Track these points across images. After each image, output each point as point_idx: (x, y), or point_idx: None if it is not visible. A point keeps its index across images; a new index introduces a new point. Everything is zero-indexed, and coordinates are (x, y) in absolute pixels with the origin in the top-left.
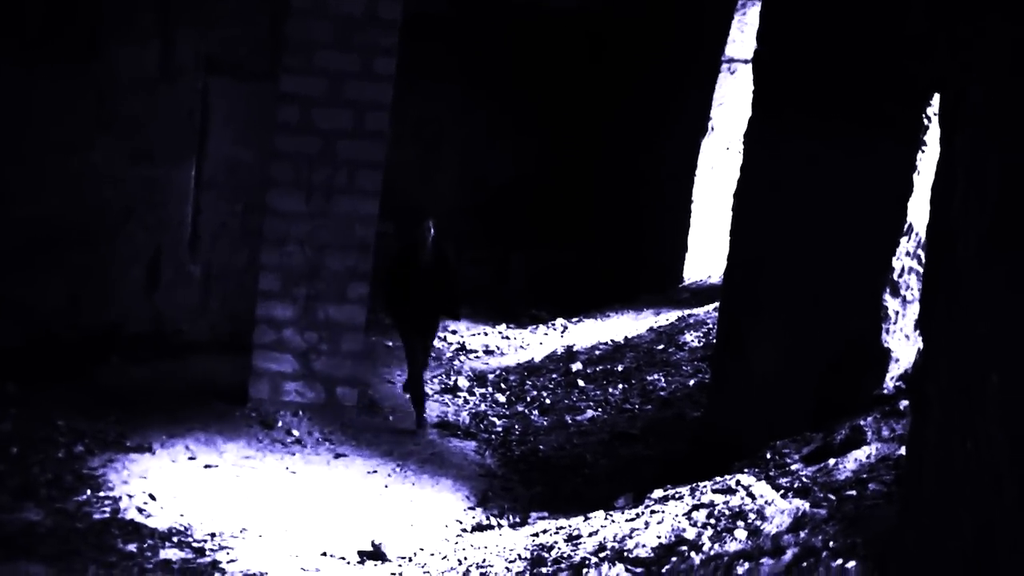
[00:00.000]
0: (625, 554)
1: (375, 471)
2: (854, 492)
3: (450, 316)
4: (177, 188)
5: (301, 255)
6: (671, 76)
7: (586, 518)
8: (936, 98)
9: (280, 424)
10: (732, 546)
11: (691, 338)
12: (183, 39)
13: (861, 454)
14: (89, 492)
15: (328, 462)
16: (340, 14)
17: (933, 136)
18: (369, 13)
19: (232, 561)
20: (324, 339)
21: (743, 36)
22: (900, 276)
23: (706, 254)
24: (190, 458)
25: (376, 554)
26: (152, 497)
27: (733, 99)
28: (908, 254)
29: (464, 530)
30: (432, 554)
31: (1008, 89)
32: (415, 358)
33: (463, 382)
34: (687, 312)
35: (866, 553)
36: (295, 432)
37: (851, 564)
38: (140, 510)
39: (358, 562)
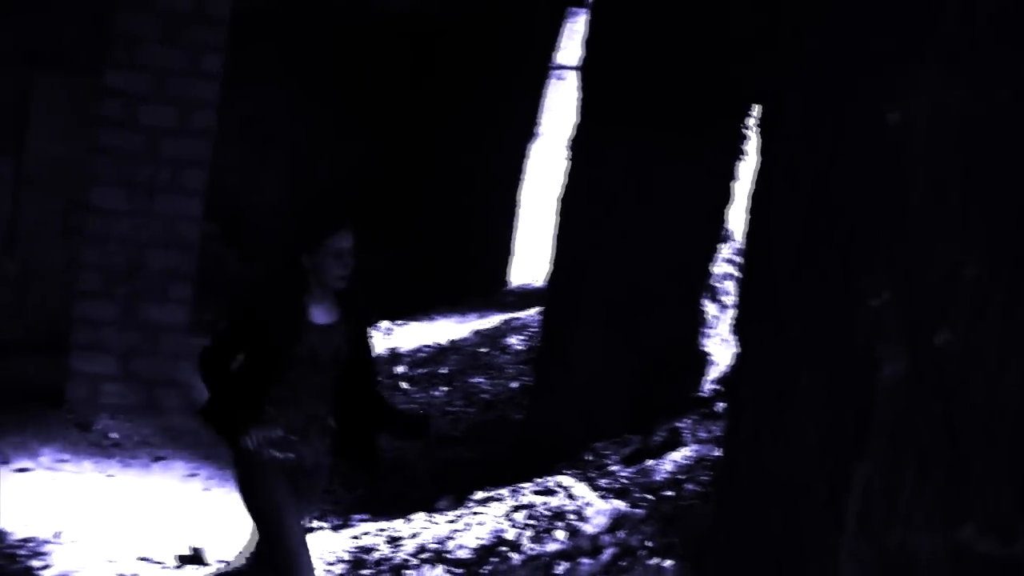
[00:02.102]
0: (446, 555)
1: (195, 474)
2: (672, 492)
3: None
4: None
5: (122, 254)
6: (501, 81)
7: (407, 520)
8: (757, 107)
9: (98, 427)
10: (552, 546)
11: (515, 341)
12: (4, 29)
13: (679, 455)
14: None
15: (147, 465)
16: (168, 9)
17: (753, 144)
18: (197, 9)
19: (46, 567)
20: (145, 340)
21: (573, 43)
22: (719, 281)
23: (532, 258)
24: (2, 462)
25: (195, 558)
26: None
27: (562, 105)
28: (727, 260)
29: None
30: (251, 557)
31: (821, 97)
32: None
33: None
34: (512, 315)
35: (683, 552)
36: (113, 435)
37: (668, 563)
38: None
39: (176, 566)
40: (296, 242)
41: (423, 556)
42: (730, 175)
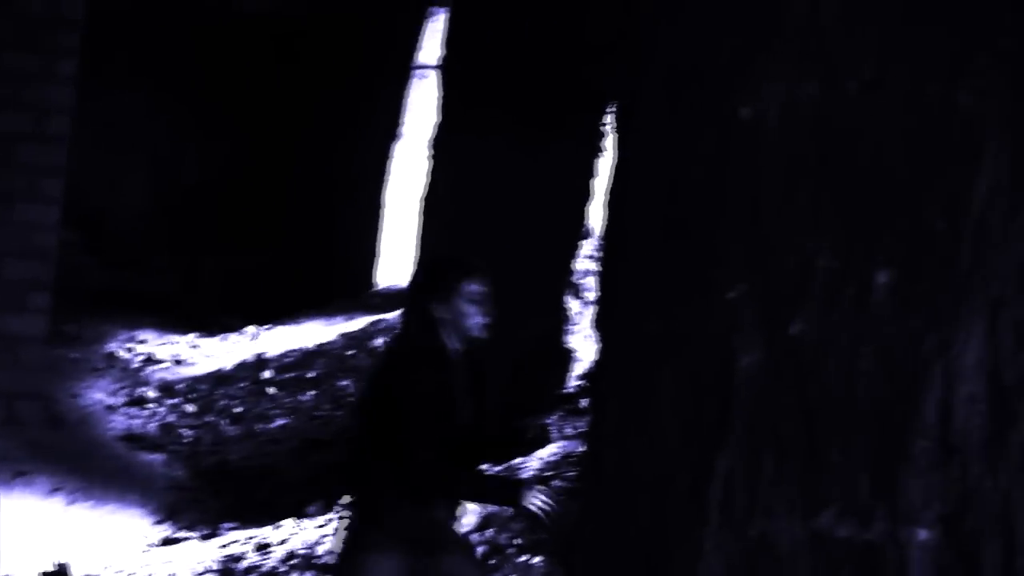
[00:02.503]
0: (315, 561)
1: (59, 488)
2: None
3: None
4: None
5: None
6: (364, 81)
7: (276, 527)
8: (613, 105)
9: None
10: None
11: (382, 343)
12: None
13: (545, 452)
14: None
15: (8, 481)
16: (21, 12)
17: (612, 141)
18: (52, 12)
19: None
20: (2, 351)
21: (435, 42)
22: (581, 277)
23: (399, 259)
24: None
25: (60, 574)
26: None
27: (425, 104)
28: (588, 256)
29: (152, 545)
30: (119, 571)
31: (675, 93)
32: None
33: (151, 393)
34: (379, 317)
35: (551, 548)
36: None
37: (537, 559)
38: None
39: None
40: (426, 292)
41: (292, 562)
42: (590, 171)
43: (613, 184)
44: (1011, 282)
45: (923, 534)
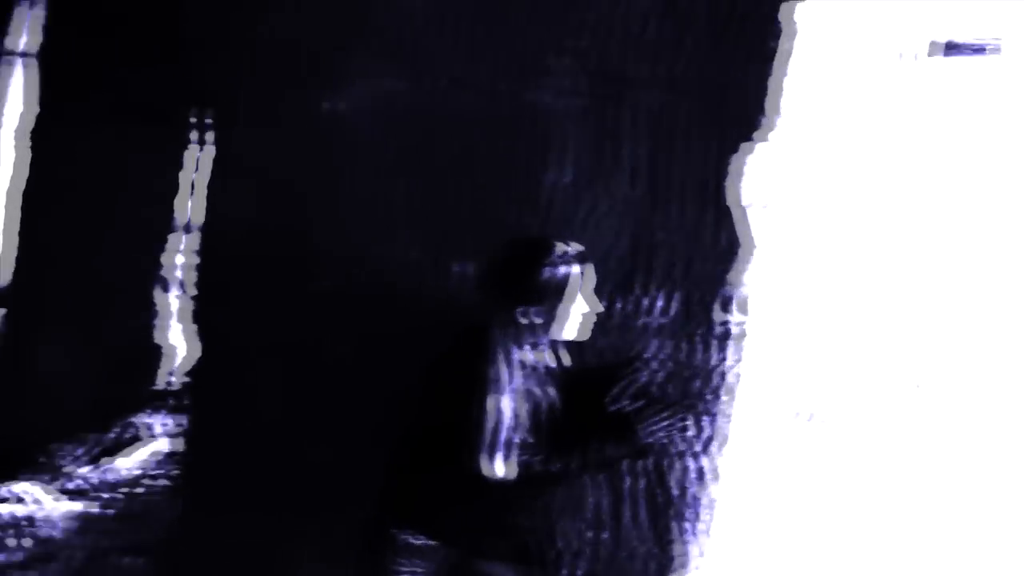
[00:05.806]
0: None
1: None
2: (138, 489)
3: None
4: None
5: None
6: None
7: None
8: (214, 98)
9: None
10: (15, 557)
11: None
12: None
13: (145, 451)
14: None
15: None
16: None
17: (211, 136)
18: None
19: None
20: None
21: (26, 27)
22: (176, 271)
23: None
24: None
25: None
26: None
27: (23, 95)
28: (190, 250)
29: None
30: None
31: (268, 89)
32: None
33: None
34: None
35: (152, 549)
36: None
37: (137, 561)
38: None
39: None
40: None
41: None
42: (190, 164)
43: (211, 178)
44: None
45: None
